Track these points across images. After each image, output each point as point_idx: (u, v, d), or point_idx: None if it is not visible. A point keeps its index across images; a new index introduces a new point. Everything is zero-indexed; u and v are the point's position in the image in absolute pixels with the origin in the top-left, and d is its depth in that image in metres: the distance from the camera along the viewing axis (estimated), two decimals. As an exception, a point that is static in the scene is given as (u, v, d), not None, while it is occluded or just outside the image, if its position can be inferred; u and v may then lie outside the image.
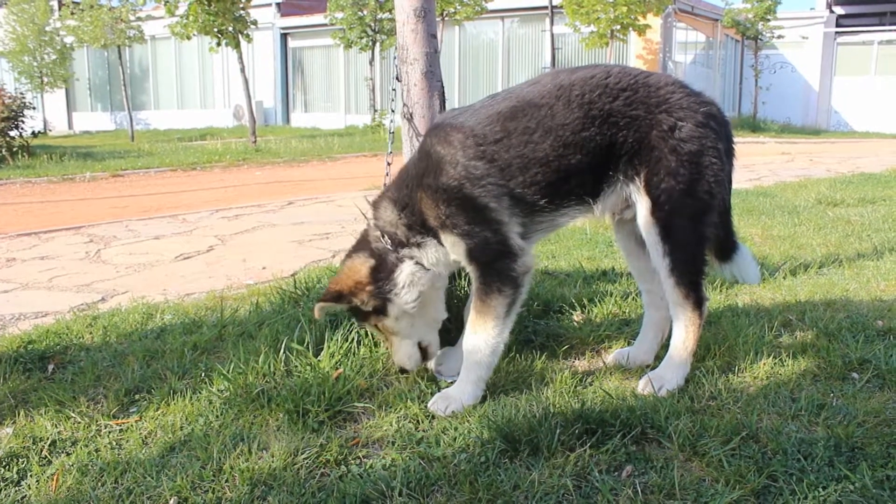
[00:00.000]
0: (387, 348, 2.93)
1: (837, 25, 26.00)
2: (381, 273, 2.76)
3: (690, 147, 2.62)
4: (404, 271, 2.76)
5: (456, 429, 2.45)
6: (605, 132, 2.62)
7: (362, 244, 2.87)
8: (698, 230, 2.70)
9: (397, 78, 3.33)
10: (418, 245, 2.74)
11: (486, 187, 2.60)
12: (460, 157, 2.61)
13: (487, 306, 2.64)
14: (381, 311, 2.78)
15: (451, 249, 2.70)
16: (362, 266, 2.78)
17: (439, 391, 2.74)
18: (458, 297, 3.25)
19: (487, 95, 2.81)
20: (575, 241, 5.53)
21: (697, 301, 2.70)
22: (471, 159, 2.60)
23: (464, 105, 2.87)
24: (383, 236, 2.78)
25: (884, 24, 25.89)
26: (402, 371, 2.87)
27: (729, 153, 2.79)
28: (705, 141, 2.64)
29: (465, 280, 3.31)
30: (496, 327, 2.65)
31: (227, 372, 2.87)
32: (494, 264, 2.63)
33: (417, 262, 2.76)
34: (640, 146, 2.64)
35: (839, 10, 26.32)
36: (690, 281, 2.68)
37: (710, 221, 2.73)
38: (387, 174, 3.40)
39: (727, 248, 2.94)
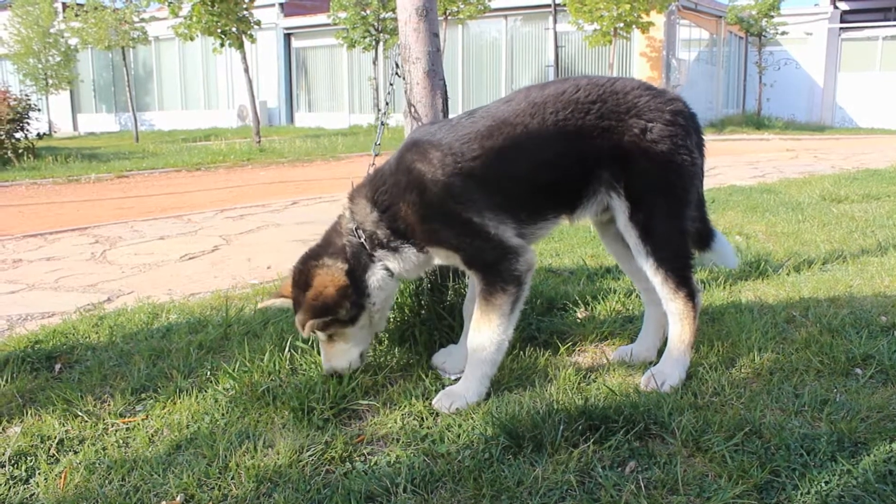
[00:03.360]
0: (325, 353, 2.85)
1: (842, 21, 25.90)
2: (357, 277, 2.75)
3: (662, 147, 2.65)
4: (376, 274, 2.77)
5: (460, 426, 2.46)
6: (579, 146, 2.67)
7: (331, 245, 2.83)
8: (678, 226, 2.73)
9: (396, 73, 3.34)
10: (395, 250, 2.75)
11: (466, 203, 2.62)
12: (440, 176, 2.63)
13: (492, 305, 2.65)
14: (353, 320, 2.76)
15: (446, 260, 2.75)
16: (340, 273, 2.75)
17: (443, 388, 2.75)
18: (462, 294, 3.26)
19: (465, 112, 2.83)
20: (579, 239, 5.54)
21: (689, 294, 2.72)
22: (449, 176, 2.62)
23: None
24: (357, 230, 2.77)
25: (888, 20, 25.78)
26: (334, 374, 2.82)
27: (699, 146, 2.81)
28: (676, 139, 2.67)
29: (467, 277, 3.32)
30: (501, 325, 2.66)
31: (233, 370, 2.89)
32: (496, 266, 2.64)
33: (386, 268, 2.78)
34: (614, 154, 2.67)
35: (843, 6, 26.21)
36: (678, 275, 2.70)
37: (689, 216, 2.77)
38: (372, 164, 3.36)
39: (705, 237, 2.98)
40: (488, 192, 2.64)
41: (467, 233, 2.62)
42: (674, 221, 2.72)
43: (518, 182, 2.68)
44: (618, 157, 2.67)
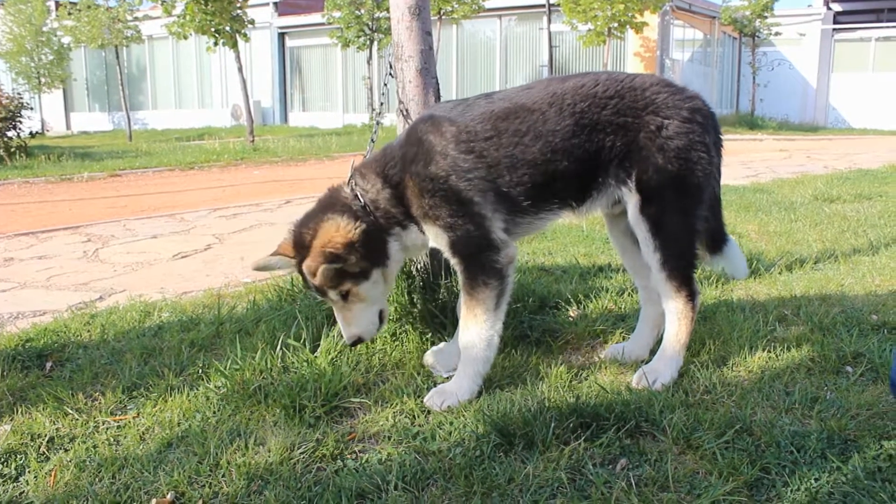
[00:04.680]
0: (344, 319, 2.76)
1: (835, 22, 25.98)
2: (371, 241, 2.70)
3: (677, 143, 2.66)
4: (392, 246, 2.75)
5: (451, 423, 2.46)
6: (594, 139, 2.68)
7: (336, 206, 2.74)
8: (688, 224, 2.73)
9: (390, 73, 3.34)
10: (405, 227, 2.76)
11: (473, 181, 2.63)
12: (451, 150, 2.64)
13: (476, 300, 2.66)
14: (364, 274, 2.69)
15: (434, 241, 2.74)
16: (351, 227, 2.67)
17: (435, 386, 2.75)
18: (455, 292, 3.26)
19: (482, 94, 2.84)
20: (571, 238, 5.54)
21: (690, 294, 2.73)
22: (461, 153, 2.64)
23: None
24: (368, 207, 2.73)
25: (881, 21, 25.88)
26: (358, 341, 2.77)
27: (717, 145, 2.82)
28: (692, 136, 2.67)
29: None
30: (487, 320, 2.67)
31: (225, 368, 2.88)
32: (478, 257, 2.65)
33: (400, 242, 2.77)
34: (629, 149, 2.69)
35: (836, 7, 26.29)
36: (682, 274, 2.71)
37: (700, 214, 2.76)
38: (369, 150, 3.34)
39: (718, 239, 2.97)
40: (496, 175, 2.65)
41: (463, 213, 2.63)
42: (685, 218, 2.72)
43: (528, 168, 2.67)
44: (632, 152, 2.68)
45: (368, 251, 2.69)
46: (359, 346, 2.93)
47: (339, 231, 2.67)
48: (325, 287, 2.67)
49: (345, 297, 2.71)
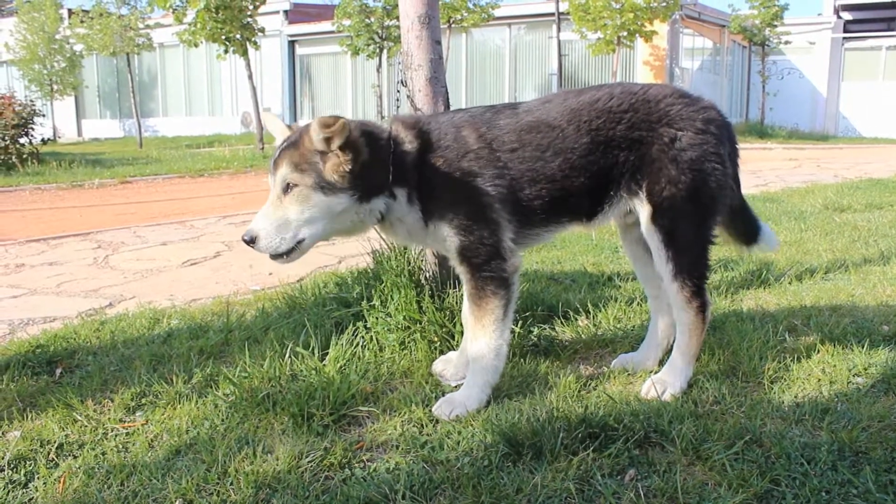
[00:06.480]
0: (265, 212, 2.51)
1: (845, 31, 25.92)
2: (368, 174, 2.54)
3: (691, 154, 2.65)
4: (377, 202, 2.62)
5: (460, 433, 2.46)
6: (609, 155, 2.70)
7: (371, 131, 2.64)
8: (701, 235, 2.72)
9: (401, 82, 3.36)
10: (396, 199, 2.65)
11: (497, 187, 2.64)
12: (484, 153, 2.66)
13: (484, 310, 2.67)
14: (331, 185, 2.49)
15: (442, 244, 2.71)
16: (370, 144, 2.57)
17: (443, 395, 2.75)
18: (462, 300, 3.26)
19: (506, 103, 2.86)
20: (580, 247, 5.53)
21: (701, 305, 2.72)
22: (491, 158, 2.66)
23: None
24: (394, 150, 2.62)
25: (892, 30, 25.79)
26: (252, 243, 2.50)
27: (732, 155, 2.82)
28: (706, 147, 2.67)
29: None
30: (496, 330, 2.67)
31: (233, 376, 2.89)
32: (486, 266, 2.66)
33: (386, 205, 2.64)
34: (642, 162, 2.69)
35: (846, 16, 26.23)
36: (693, 285, 2.70)
37: (714, 225, 2.76)
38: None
39: (752, 233, 3.02)
40: (516, 186, 2.67)
41: (479, 216, 2.63)
42: (698, 230, 2.72)
43: (546, 182, 2.69)
44: (646, 164, 2.69)
45: (359, 173, 2.51)
46: (367, 355, 2.93)
47: (361, 132, 2.54)
48: (301, 158, 2.48)
49: (287, 189, 2.50)
